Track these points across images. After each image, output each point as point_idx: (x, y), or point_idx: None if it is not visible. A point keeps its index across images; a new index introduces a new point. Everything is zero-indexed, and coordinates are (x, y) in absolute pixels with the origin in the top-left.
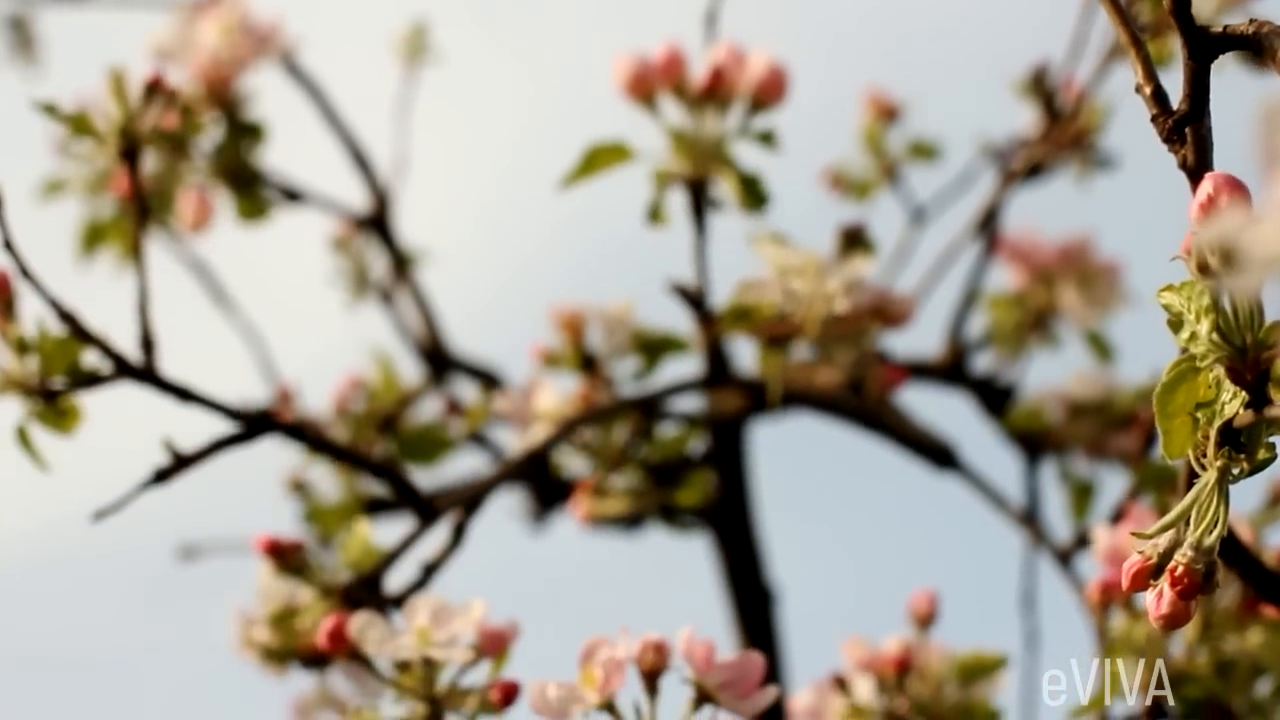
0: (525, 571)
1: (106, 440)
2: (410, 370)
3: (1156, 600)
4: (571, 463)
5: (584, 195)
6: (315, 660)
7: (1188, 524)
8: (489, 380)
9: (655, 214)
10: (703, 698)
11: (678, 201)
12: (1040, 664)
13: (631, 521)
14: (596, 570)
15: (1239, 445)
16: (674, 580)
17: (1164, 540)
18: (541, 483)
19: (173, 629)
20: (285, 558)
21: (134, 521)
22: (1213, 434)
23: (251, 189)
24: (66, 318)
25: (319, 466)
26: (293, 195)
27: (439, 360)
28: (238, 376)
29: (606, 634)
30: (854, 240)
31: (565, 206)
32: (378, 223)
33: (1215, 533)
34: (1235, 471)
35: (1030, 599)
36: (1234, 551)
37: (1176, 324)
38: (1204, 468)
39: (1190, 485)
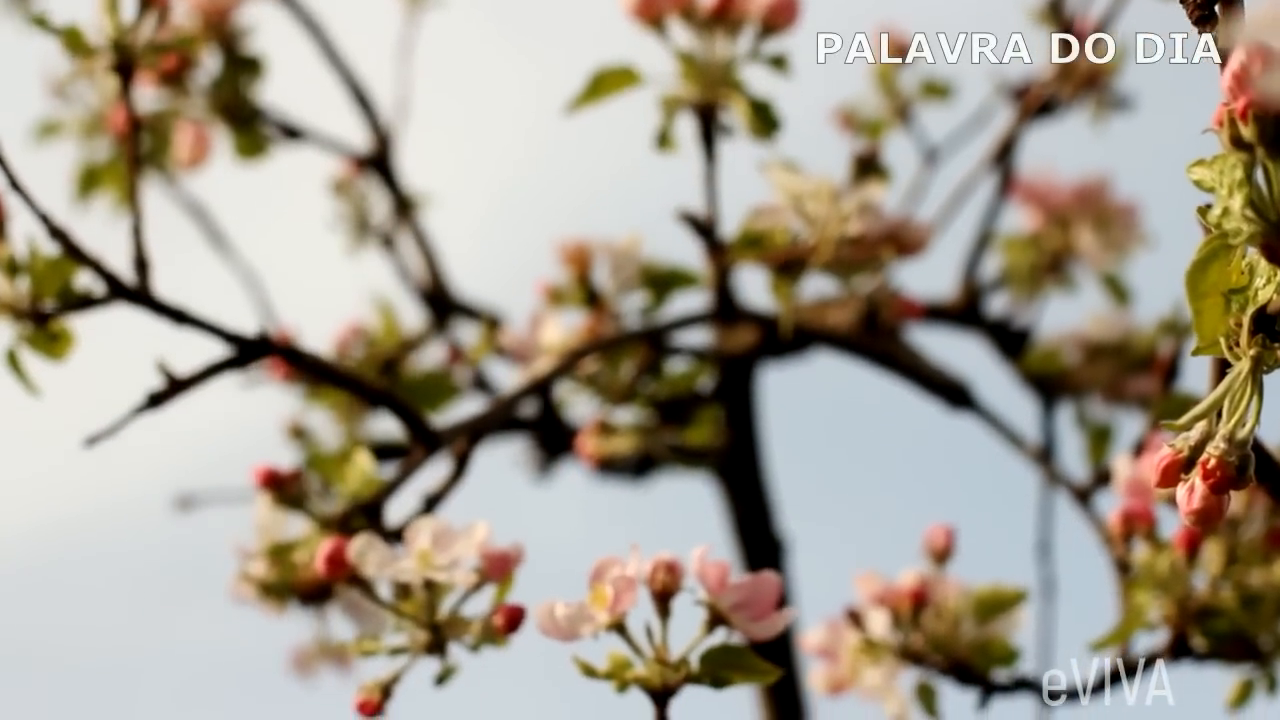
0: (528, 522)
1: (108, 443)
2: (412, 317)
3: (1188, 495)
4: (577, 407)
5: (591, 136)
6: (313, 595)
7: (1220, 417)
8: (493, 324)
9: (663, 140)
10: (716, 620)
11: (687, 130)
12: (1056, 612)
13: (638, 469)
14: (601, 522)
15: (1273, 334)
16: (681, 532)
17: (1195, 433)
18: (547, 431)
19: (174, 630)
20: (284, 488)
21: (135, 520)
22: (1245, 321)
23: (250, 125)
24: (58, 234)
25: (318, 412)
26: (292, 133)
27: (441, 304)
28: (236, 321)
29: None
30: (868, 167)
31: (572, 149)
32: (379, 163)
33: (1249, 425)
34: (1269, 362)
35: (1046, 546)
36: (1265, 466)
37: (1204, 210)
38: (1237, 358)
39: (1221, 377)
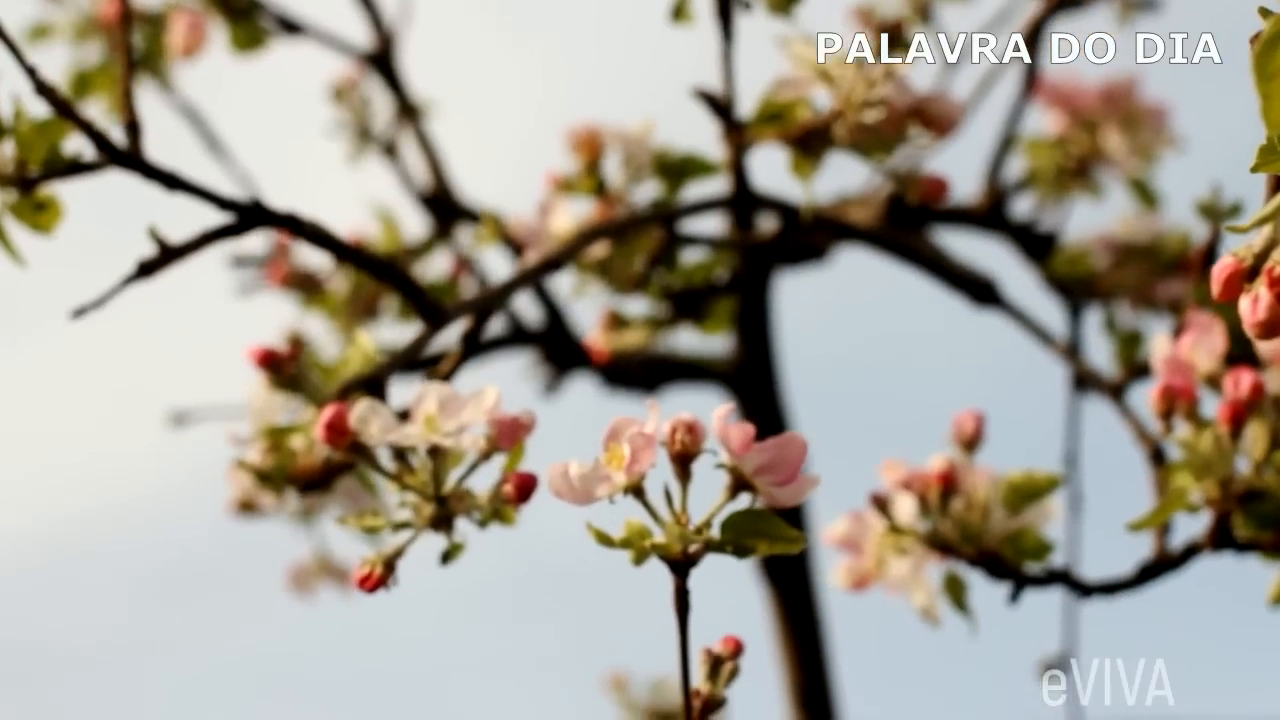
0: (536, 439)
1: (110, 439)
2: (415, 227)
3: (1252, 305)
4: (587, 313)
5: (601, 40)
6: (312, 483)
7: None
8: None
9: (679, 12)
10: (739, 484)
11: (704, 6)
12: (1083, 528)
13: (648, 382)
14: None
15: None
16: None
17: (1258, 241)
18: (555, 344)
19: (175, 629)
20: (280, 369)
21: (136, 521)
22: None
23: (246, 17)
24: (45, 91)
25: (318, 319)
26: (291, 26)
27: (446, 209)
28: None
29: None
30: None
31: (582, 52)
32: (381, 63)
33: None
34: None
35: (1073, 458)
36: None
37: (1264, 11)
38: None
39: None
